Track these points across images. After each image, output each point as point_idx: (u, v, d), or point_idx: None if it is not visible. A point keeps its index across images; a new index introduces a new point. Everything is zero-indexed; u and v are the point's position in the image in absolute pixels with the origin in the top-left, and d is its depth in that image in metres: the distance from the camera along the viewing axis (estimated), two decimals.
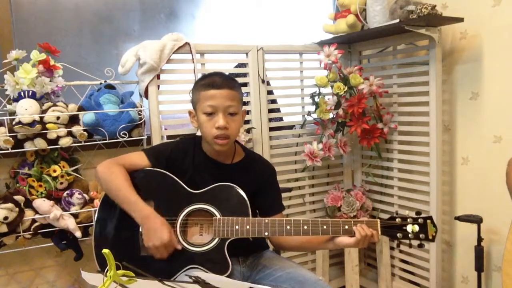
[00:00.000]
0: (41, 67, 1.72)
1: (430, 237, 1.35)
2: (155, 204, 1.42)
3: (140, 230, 1.38)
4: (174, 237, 1.35)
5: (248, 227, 1.36)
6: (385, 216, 1.68)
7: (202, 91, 1.43)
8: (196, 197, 1.43)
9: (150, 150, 1.53)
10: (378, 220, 1.37)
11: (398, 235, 1.36)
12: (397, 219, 1.37)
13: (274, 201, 1.57)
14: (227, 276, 1.30)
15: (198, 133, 1.63)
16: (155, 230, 1.32)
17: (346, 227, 1.35)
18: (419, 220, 1.36)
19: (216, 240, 1.37)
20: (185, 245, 1.38)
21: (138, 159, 1.48)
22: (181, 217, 1.40)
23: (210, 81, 1.44)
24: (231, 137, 1.45)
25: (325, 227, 1.35)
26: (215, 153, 1.51)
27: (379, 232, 1.36)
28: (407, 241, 1.37)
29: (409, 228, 1.35)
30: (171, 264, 1.36)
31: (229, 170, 1.51)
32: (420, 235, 1.35)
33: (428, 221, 1.35)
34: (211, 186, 1.43)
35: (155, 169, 1.47)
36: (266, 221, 1.36)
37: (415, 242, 1.37)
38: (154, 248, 1.32)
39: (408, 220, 1.36)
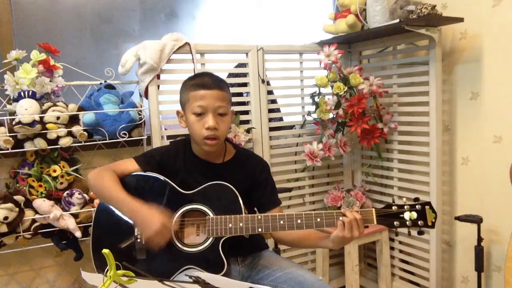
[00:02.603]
0: (41, 67, 1.73)
1: (430, 224, 1.28)
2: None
3: (136, 231, 1.38)
4: (167, 221, 1.31)
5: (241, 224, 1.35)
6: None
7: (192, 91, 1.42)
8: (188, 198, 1.42)
9: (141, 156, 1.53)
10: (373, 209, 1.32)
11: (395, 223, 1.29)
12: (393, 207, 1.31)
13: (270, 196, 1.56)
14: (223, 275, 1.29)
15: None
16: (146, 220, 1.29)
17: (341, 218, 1.32)
18: (417, 206, 1.29)
19: (211, 239, 1.37)
20: (180, 246, 1.38)
21: (129, 165, 1.48)
22: (174, 218, 1.40)
23: (199, 81, 1.43)
24: (220, 138, 1.45)
25: (319, 219, 1.33)
26: (205, 153, 1.50)
27: (375, 222, 1.30)
28: (405, 230, 1.30)
29: (407, 215, 1.29)
30: (167, 265, 1.36)
31: (220, 169, 1.51)
32: (419, 222, 1.28)
33: (427, 207, 1.29)
34: (202, 186, 1.43)
35: (146, 173, 1.46)
36: (259, 217, 1.36)
37: (414, 230, 1.31)
38: (151, 239, 1.29)
39: (405, 207, 1.30)
